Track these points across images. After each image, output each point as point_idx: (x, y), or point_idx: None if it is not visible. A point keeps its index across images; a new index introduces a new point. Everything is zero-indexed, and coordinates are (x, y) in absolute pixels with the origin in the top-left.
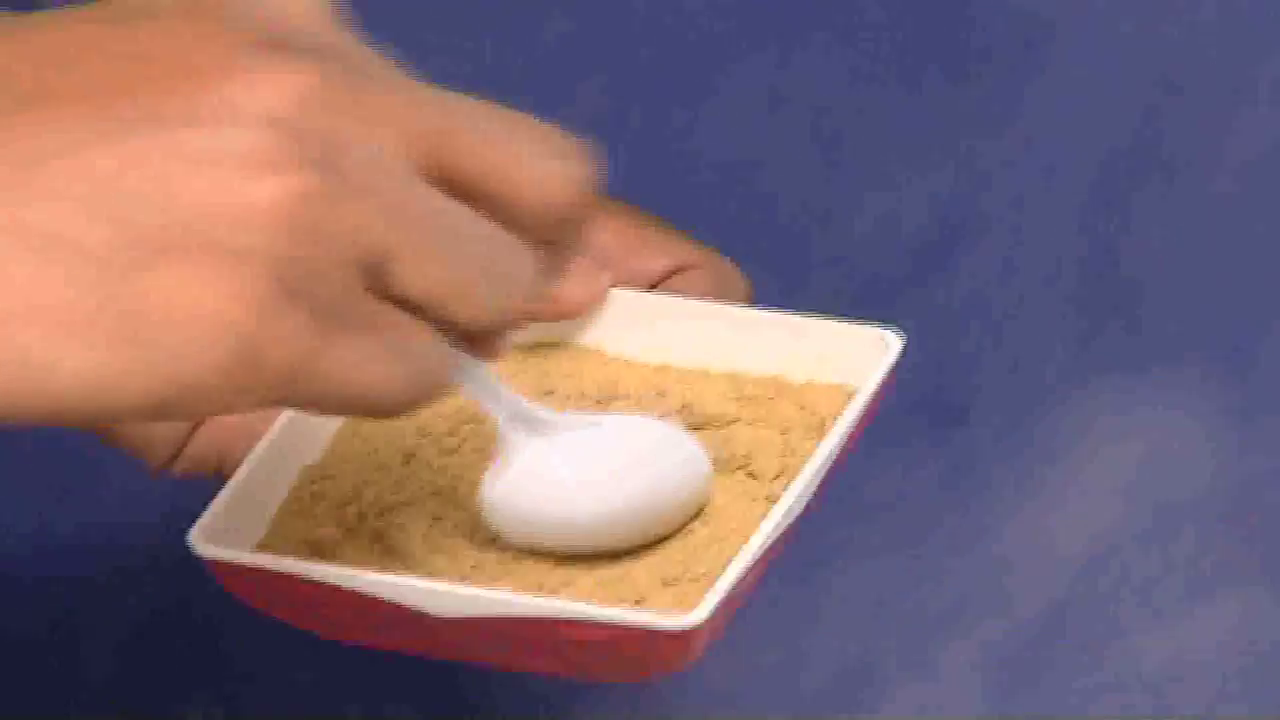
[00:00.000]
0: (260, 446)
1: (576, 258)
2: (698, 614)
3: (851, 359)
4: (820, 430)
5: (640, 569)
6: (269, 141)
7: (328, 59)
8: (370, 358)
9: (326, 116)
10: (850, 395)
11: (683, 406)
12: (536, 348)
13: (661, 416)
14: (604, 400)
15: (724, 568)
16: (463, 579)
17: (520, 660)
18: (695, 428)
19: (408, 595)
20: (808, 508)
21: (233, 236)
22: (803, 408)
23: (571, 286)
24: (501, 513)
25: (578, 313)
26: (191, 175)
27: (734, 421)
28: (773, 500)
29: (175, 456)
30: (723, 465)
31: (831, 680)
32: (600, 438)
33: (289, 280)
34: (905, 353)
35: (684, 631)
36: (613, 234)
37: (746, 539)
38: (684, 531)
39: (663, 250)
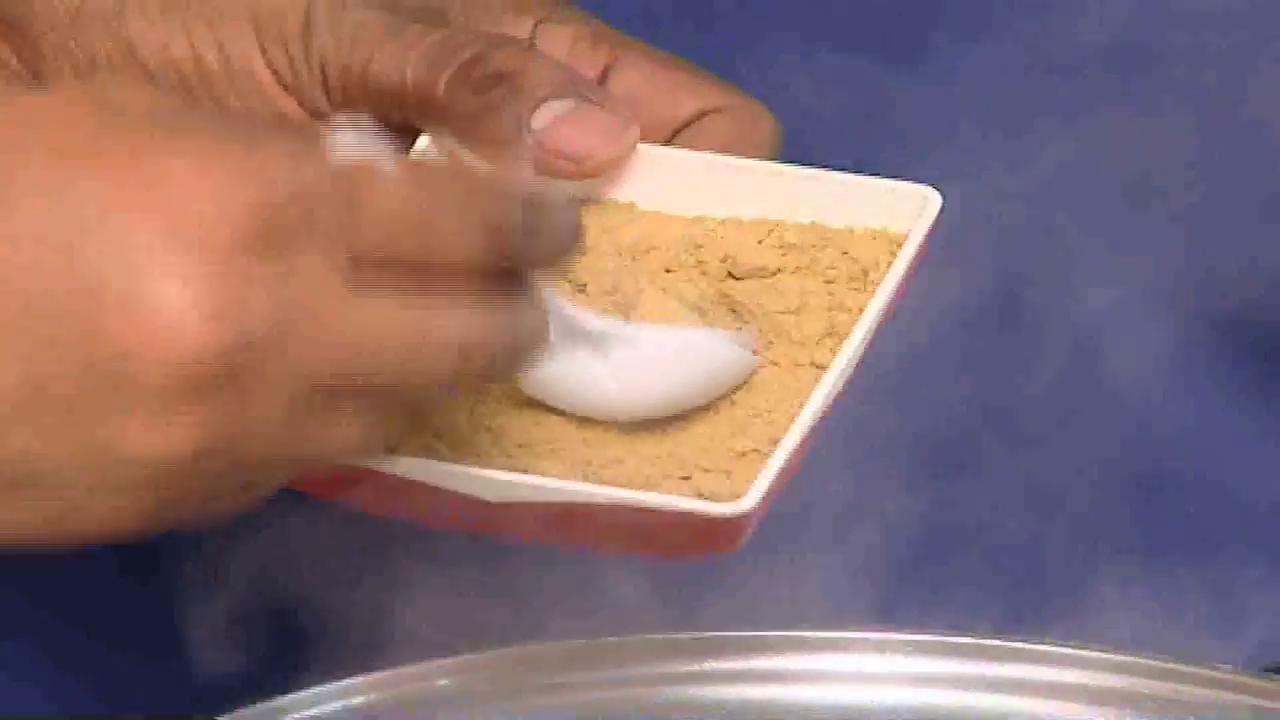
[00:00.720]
0: None
1: (602, 113)
2: (748, 500)
3: (892, 213)
4: (864, 280)
5: (687, 445)
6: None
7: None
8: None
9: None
10: (894, 242)
11: (725, 257)
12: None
13: (707, 312)
14: (639, 255)
15: (771, 443)
16: (508, 459)
17: (570, 539)
18: (738, 278)
19: (456, 482)
20: (854, 370)
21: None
22: (846, 253)
23: (598, 143)
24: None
25: (606, 169)
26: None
27: (778, 272)
28: (820, 367)
29: None
30: (768, 325)
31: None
32: (644, 344)
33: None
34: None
35: (735, 517)
36: (641, 77)
37: (793, 411)
38: (729, 401)
39: (691, 92)
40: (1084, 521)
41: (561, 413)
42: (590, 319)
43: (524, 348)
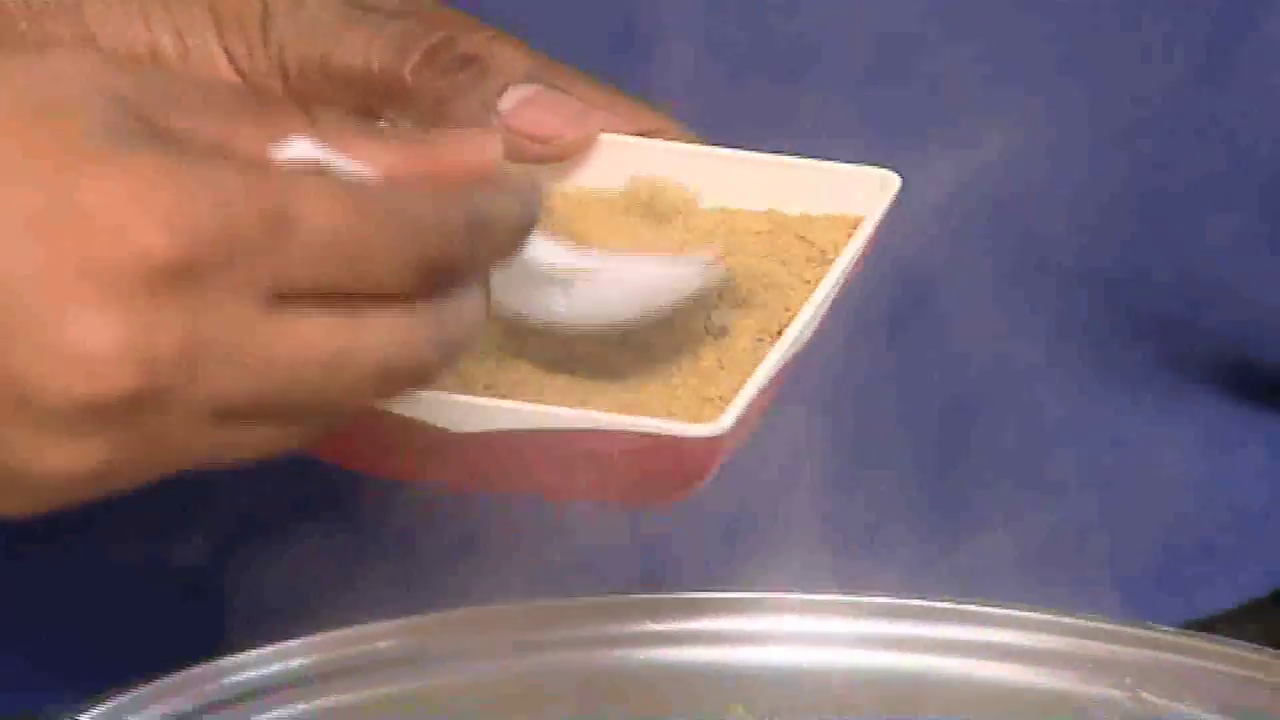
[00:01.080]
0: None
1: (568, 98)
2: (723, 422)
3: (848, 197)
4: (823, 260)
5: (656, 394)
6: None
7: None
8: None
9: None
10: (851, 225)
11: (681, 245)
12: None
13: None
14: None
15: (737, 391)
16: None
17: (535, 479)
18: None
19: (422, 410)
20: (815, 334)
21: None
22: (802, 238)
23: (564, 126)
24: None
25: (572, 152)
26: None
27: (733, 254)
28: (781, 328)
29: None
30: (728, 298)
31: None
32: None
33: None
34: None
35: (709, 439)
36: (581, 97)
37: (756, 365)
38: (694, 357)
39: (630, 118)
40: (1018, 485)
41: (529, 358)
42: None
43: (454, 350)
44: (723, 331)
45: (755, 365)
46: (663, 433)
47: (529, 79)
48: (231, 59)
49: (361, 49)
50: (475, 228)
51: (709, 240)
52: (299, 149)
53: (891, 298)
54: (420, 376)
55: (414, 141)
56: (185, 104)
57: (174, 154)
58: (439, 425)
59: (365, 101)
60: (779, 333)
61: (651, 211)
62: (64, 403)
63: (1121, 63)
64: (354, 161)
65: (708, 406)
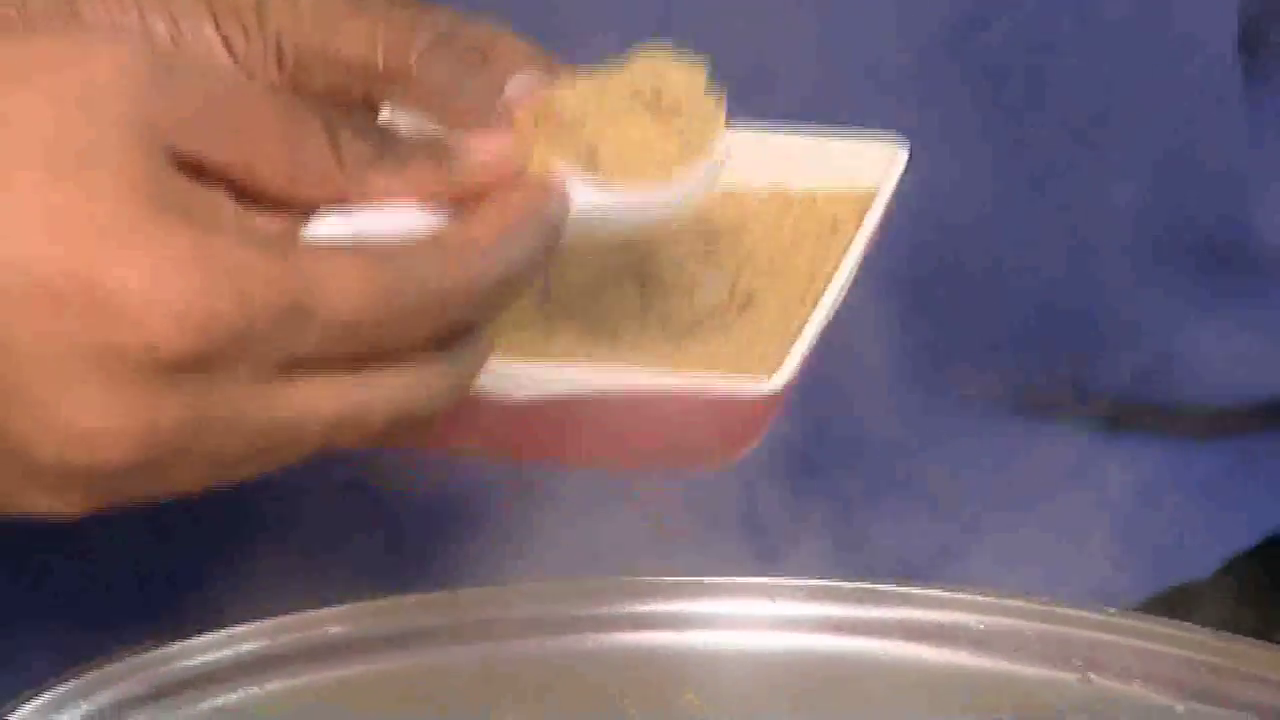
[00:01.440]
0: None
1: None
2: (779, 378)
3: (853, 171)
4: (834, 228)
5: (690, 363)
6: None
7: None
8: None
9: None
10: (860, 198)
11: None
12: None
13: None
14: None
15: (779, 354)
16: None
17: (585, 449)
18: (709, 247)
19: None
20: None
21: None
22: (812, 210)
23: None
24: None
25: None
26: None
27: (744, 230)
28: (806, 296)
29: None
30: (749, 267)
31: None
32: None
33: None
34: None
35: (768, 397)
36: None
37: (791, 328)
38: (722, 326)
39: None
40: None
41: (565, 327)
42: None
43: (465, 387)
44: (748, 299)
45: (790, 328)
46: (725, 392)
47: (534, 67)
48: (228, 46)
49: (365, 36)
50: (500, 283)
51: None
52: (329, 226)
53: None
54: (429, 420)
55: (432, 159)
56: (215, 131)
57: (199, 229)
58: (500, 394)
59: (366, 90)
60: (804, 300)
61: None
62: (56, 466)
63: (1015, 104)
64: (380, 215)
65: (755, 367)
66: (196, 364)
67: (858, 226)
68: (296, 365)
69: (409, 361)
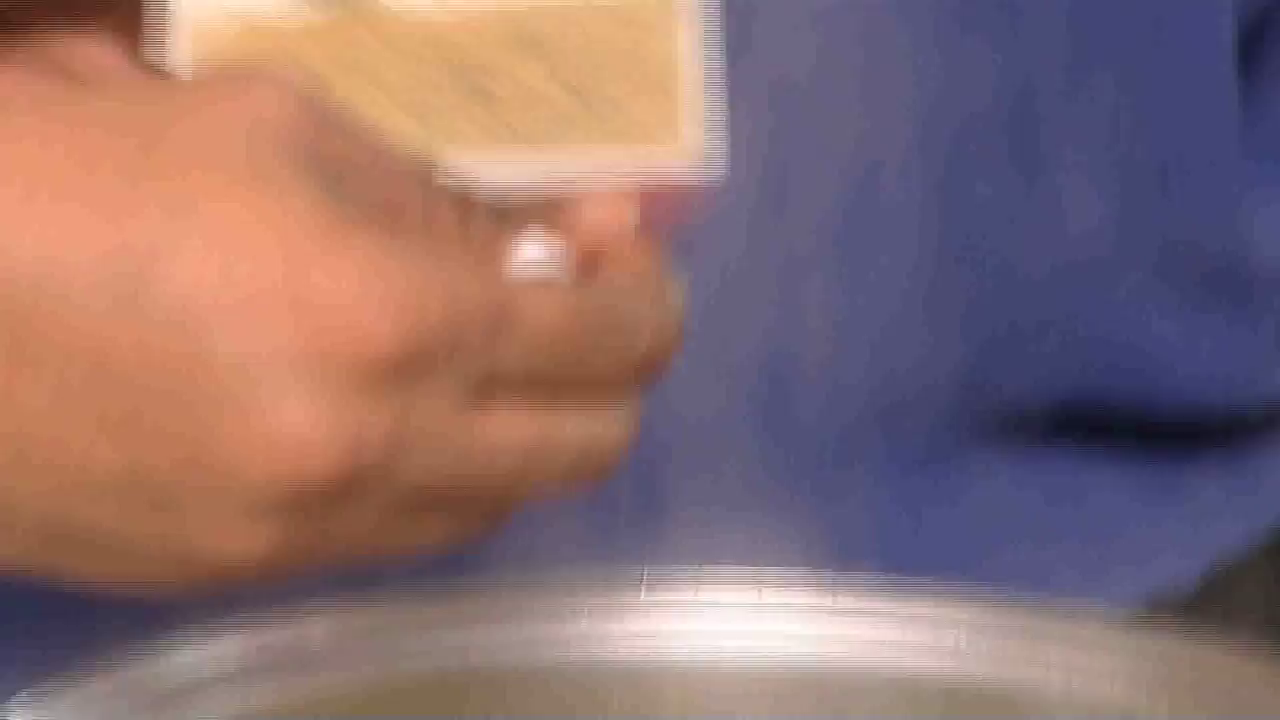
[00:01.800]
0: None
1: None
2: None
3: None
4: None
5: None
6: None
7: None
8: None
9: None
10: None
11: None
12: None
13: None
14: None
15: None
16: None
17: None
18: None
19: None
20: None
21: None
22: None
23: None
24: None
25: None
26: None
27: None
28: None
29: None
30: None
31: None
32: None
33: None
34: None
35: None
36: None
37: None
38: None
39: None
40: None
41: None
42: None
43: (625, 450)
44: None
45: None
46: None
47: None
48: None
49: None
50: (678, 323)
51: None
52: (531, 252)
53: None
54: (606, 472)
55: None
56: (364, 168)
57: (401, 235)
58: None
59: None
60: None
61: None
62: (254, 489)
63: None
64: (570, 247)
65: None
66: (402, 368)
67: None
68: (494, 386)
69: (596, 398)
